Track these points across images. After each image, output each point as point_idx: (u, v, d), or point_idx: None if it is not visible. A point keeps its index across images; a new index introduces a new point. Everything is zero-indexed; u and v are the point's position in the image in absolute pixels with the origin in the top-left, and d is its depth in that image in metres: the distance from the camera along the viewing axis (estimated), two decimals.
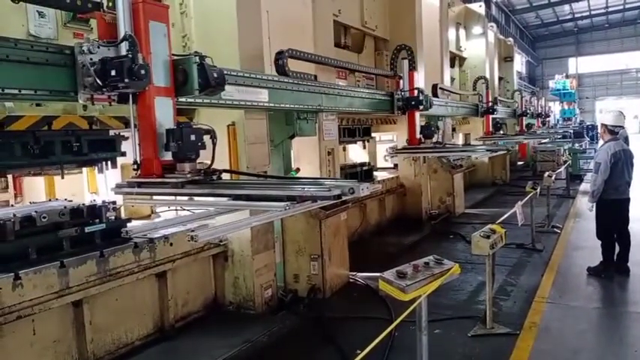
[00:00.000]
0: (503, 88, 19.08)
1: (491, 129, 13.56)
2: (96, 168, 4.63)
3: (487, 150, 8.97)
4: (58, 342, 4.03)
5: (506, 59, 19.95)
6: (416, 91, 8.11)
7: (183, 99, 3.91)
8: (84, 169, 5.14)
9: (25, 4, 4.09)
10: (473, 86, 13.42)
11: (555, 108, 37.10)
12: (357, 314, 5.48)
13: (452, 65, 14.22)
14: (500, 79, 18.52)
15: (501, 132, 14.80)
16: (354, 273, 6.63)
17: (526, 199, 7.74)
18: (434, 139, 8.93)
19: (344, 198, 2.96)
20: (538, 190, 8.29)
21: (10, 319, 3.59)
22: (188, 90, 3.69)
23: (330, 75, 7.09)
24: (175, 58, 3.71)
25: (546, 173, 9.72)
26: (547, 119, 24.91)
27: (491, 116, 13.42)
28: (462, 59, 15.88)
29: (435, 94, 9.71)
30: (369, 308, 5.58)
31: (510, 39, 21.62)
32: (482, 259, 5.03)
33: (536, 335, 4.85)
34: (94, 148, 4.38)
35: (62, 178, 4.36)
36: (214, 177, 3.59)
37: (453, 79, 13.93)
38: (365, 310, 5.55)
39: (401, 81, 8.23)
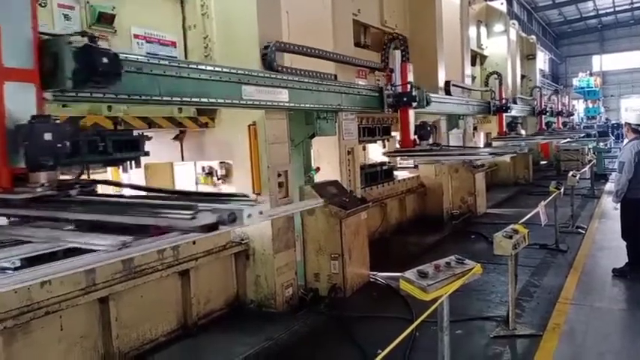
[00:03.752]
0: (526, 87, 18.82)
1: (505, 128, 12.83)
2: (120, 167, 4.70)
3: (490, 154, 8.07)
4: (85, 338, 4.11)
5: (529, 57, 19.67)
6: (409, 86, 7.09)
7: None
8: (108, 169, 5.23)
9: (52, 8, 4.20)
10: (485, 82, 12.66)
11: (579, 106, 36.49)
12: (377, 313, 5.48)
13: (473, 63, 14.08)
14: (522, 77, 18.27)
15: (520, 131, 14.50)
16: (375, 272, 6.63)
17: (550, 198, 7.62)
18: (430, 140, 7.97)
19: (221, 229, 2.12)
20: (562, 189, 8.16)
21: (38, 314, 3.68)
22: (59, 80, 2.92)
23: (350, 75, 7.10)
24: (45, 37, 2.94)
25: (570, 173, 9.57)
26: (571, 117, 24.47)
27: (505, 115, 12.65)
28: (483, 57, 15.70)
29: (447, 92, 9.55)
30: (390, 308, 5.57)
31: (533, 36, 21.30)
32: (505, 259, 4.97)
33: (559, 337, 4.79)
34: (118, 148, 4.45)
35: (88, 177, 4.44)
36: (72, 192, 2.69)
37: (474, 78, 13.78)
38: (386, 310, 5.54)
39: (393, 74, 7.31)
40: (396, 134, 10.35)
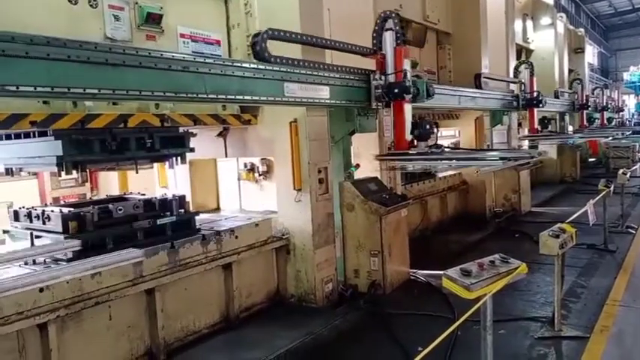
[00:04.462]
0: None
1: (536, 125, 11.49)
2: (167, 163, 4.84)
3: (500, 159, 5.87)
4: (132, 328, 4.26)
5: (577, 51, 19.02)
6: (402, 74, 5.68)
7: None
8: (154, 165, 5.39)
9: (103, 9, 4.35)
10: (514, 72, 10.98)
11: (630, 102, 35.03)
12: (418, 311, 5.43)
13: (518, 58, 13.69)
14: (570, 71, 17.67)
15: (568, 128, 13.86)
16: (415, 270, 6.57)
17: (598, 197, 7.36)
18: (429, 142, 6.28)
19: None
20: (611, 188, 7.86)
21: (89, 304, 3.84)
22: None
23: None
24: None
25: (620, 170, 9.21)
26: (621, 113, 23.42)
27: (537, 110, 10.98)
28: (529, 51, 15.27)
29: (478, 86, 9.23)
30: (431, 306, 5.52)
31: (581, 29, 20.58)
32: (551, 259, 4.84)
33: (607, 340, 4.63)
34: (165, 144, 4.59)
35: (137, 172, 4.59)
36: None
37: None
38: (426, 308, 5.49)
39: (384, 61, 5.81)
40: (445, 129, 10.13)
